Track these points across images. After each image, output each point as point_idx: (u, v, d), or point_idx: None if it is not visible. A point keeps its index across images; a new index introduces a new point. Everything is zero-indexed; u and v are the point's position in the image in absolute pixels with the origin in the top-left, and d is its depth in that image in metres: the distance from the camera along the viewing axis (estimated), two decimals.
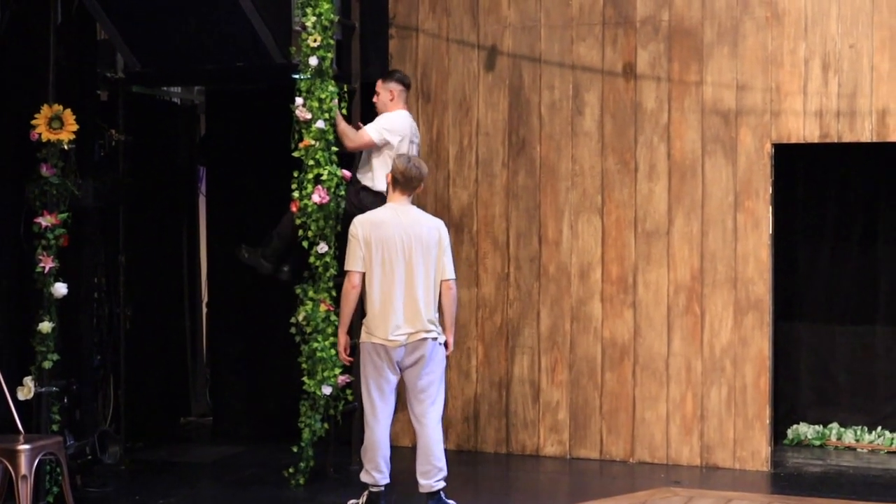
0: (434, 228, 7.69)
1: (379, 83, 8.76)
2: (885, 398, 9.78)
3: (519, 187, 9.50)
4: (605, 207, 9.31)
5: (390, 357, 7.57)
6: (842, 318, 9.88)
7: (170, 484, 8.59)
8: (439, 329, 7.63)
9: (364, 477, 7.70)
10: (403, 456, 9.55)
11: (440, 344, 7.63)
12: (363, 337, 7.66)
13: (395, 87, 8.73)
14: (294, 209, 8.45)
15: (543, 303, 9.45)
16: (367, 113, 9.21)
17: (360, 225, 7.66)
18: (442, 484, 7.63)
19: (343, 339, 7.81)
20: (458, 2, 9.61)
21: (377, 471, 7.65)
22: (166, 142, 10.45)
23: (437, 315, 7.63)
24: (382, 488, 7.70)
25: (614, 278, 9.29)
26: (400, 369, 7.61)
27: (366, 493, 7.70)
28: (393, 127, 8.56)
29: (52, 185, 7.92)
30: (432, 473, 7.62)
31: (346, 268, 7.66)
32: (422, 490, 7.64)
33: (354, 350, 7.98)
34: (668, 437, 9.18)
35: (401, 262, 7.56)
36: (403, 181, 7.70)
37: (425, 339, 7.56)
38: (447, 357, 7.76)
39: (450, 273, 7.67)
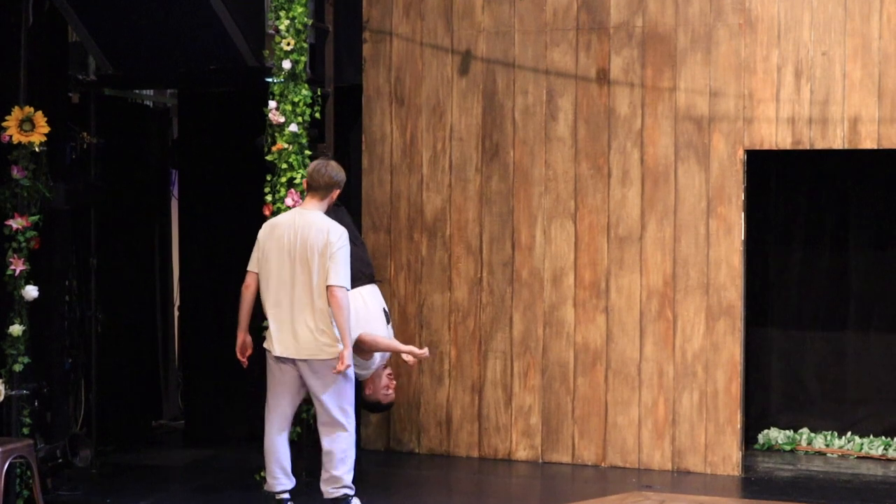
0: (322, 232, 7.42)
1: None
2: (856, 403, 9.83)
3: (492, 192, 9.51)
4: (578, 213, 9.33)
5: (281, 367, 7.54)
6: (813, 323, 9.92)
7: (141, 487, 8.55)
8: (330, 340, 7.41)
9: (265, 485, 7.72)
10: (370, 460, 9.57)
11: (333, 357, 7.42)
12: (266, 342, 7.62)
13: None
14: (267, 213, 8.43)
15: (516, 307, 9.46)
16: (341, 117, 9.21)
17: (264, 227, 7.62)
18: (341, 493, 7.59)
19: (239, 338, 7.70)
20: (433, 6, 9.61)
21: (272, 476, 7.64)
22: (138, 144, 10.41)
23: (330, 324, 7.40)
24: (286, 494, 7.66)
25: (587, 283, 9.30)
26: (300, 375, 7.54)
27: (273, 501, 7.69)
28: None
29: (23, 188, 7.88)
30: (331, 482, 7.60)
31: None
32: (324, 496, 7.64)
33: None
34: (640, 442, 9.20)
35: (286, 267, 7.45)
36: (311, 184, 7.59)
37: (309, 360, 7.44)
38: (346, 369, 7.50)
39: (334, 279, 7.34)
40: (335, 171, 7.65)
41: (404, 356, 8.30)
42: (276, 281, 7.48)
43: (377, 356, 8.22)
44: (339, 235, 7.44)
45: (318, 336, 7.41)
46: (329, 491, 7.62)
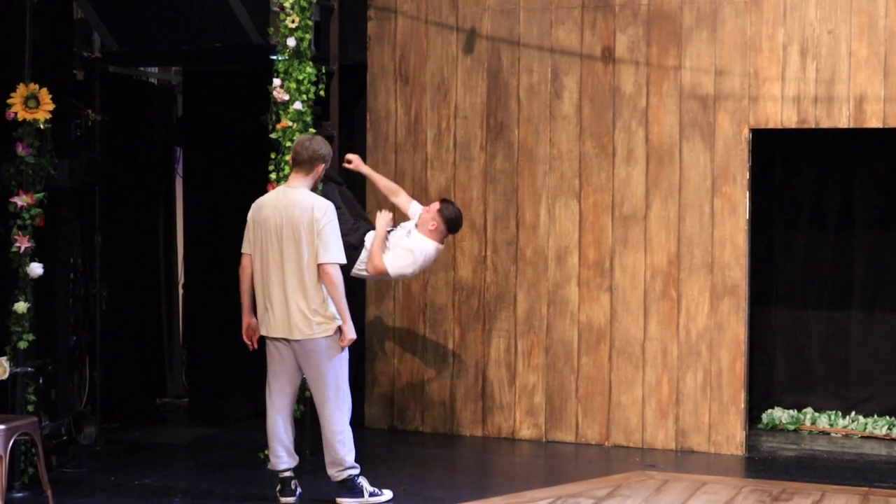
0: (307, 209, 7.31)
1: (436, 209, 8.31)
2: (860, 383, 9.84)
3: (497, 171, 9.50)
4: (583, 191, 9.32)
5: (277, 347, 7.51)
6: (817, 303, 9.92)
7: (145, 465, 8.57)
8: (324, 319, 7.35)
9: (269, 463, 7.74)
10: (375, 438, 9.59)
11: (326, 336, 7.37)
12: (261, 324, 7.58)
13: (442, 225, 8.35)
14: (271, 190, 8.42)
15: (520, 286, 9.45)
16: (345, 95, 9.20)
17: (252, 207, 7.57)
18: (345, 474, 7.58)
19: (245, 321, 7.66)
20: None
21: (274, 455, 7.64)
22: (143, 122, 10.41)
23: (322, 303, 7.34)
24: (289, 472, 7.67)
25: (591, 262, 9.30)
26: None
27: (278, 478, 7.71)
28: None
29: (27, 165, 7.87)
30: (334, 466, 7.60)
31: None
32: (332, 480, 7.66)
33: None
34: (644, 421, 9.21)
35: (274, 247, 7.39)
36: (295, 159, 7.52)
37: (300, 340, 7.39)
38: (349, 346, 7.49)
39: (323, 256, 7.26)
40: (319, 144, 7.55)
41: (381, 218, 8.23)
42: (266, 261, 7.43)
43: (401, 255, 8.15)
44: (324, 211, 7.34)
45: (310, 316, 7.35)
46: (334, 475, 7.63)
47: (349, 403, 7.65)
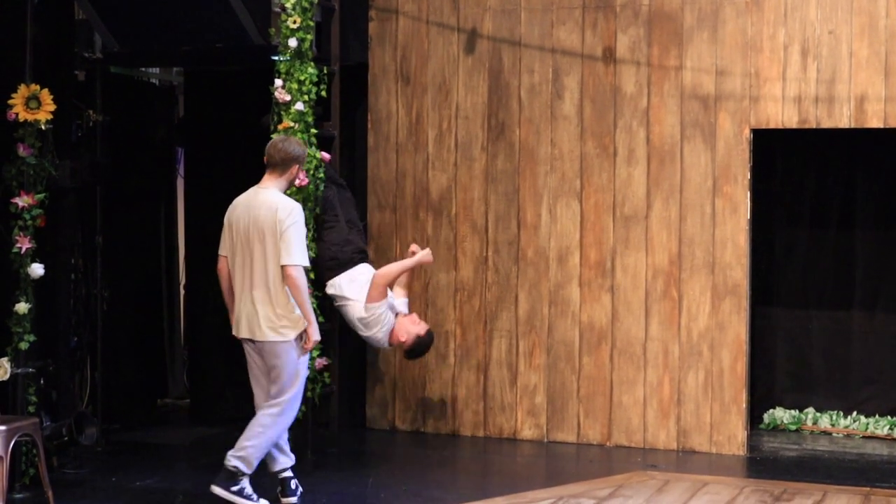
0: (271, 210, 7.27)
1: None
2: (861, 383, 9.84)
3: (498, 171, 9.50)
4: (584, 192, 9.31)
5: (248, 348, 7.50)
6: (818, 303, 9.92)
7: (147, 465, 8.57)
8: (288, 322, 7.33)
9: (267, 465, 7.68)
10: (376, 439, 9.60)
11: (286, 341, 7.34)
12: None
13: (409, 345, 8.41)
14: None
15: (522, 286, 9.45)
16: (346, 95, 9.20)
17: (229, 207, 7.55)
18: (233, 463, 7.36)
19: (232, 322, 7.63)
20: None
21: (269, 457, 7.58)
22: (144, 123, 10.40)
23: (286, 305, 7.31)
24: (287, 472, 7.61)
25: (592, 263, 9.30)
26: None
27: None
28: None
29: (29, 166, 7.87)
30: (235, 449, 7.41)
31: None
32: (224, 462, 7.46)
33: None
34: (645, 422, 9.21)
35: (243, 249, 7.38)
36: (268, 160, 7.50)
37: (262, 341, 7.37)
38: (310, 349, 7.49)
39: (285, 258, 7.22)
40: (292, 145, 7.52)
41: (422, 258, 8.34)
42: (236, 262, 7.43)
43: (386, 310, 8.17)
44: (288, 212, 7.29)
45: (274, 318, 7.32)
46: (228, 456, 7.42)
47: (293, 409, 7.55)
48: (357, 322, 8.28)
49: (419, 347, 8.35)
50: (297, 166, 7.56)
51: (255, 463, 7.43)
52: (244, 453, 7.40)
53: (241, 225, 7.38)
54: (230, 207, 7.55)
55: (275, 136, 7.82)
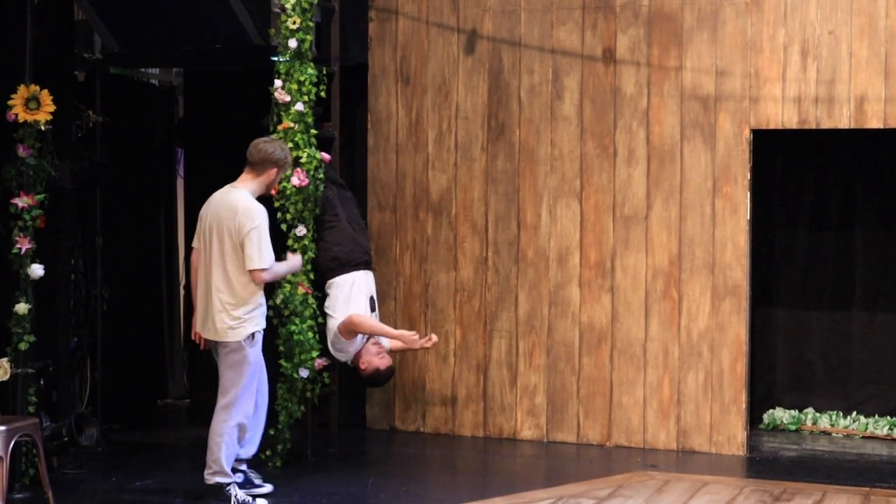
0: (233, 212, 7.31)
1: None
2: (861, 384, 9.83)
3: (498, 171, 9.50)
4: (584, 192, 9.32)
5: (211, 346, 7.59)
6: (818, 303, 9.92)
7: (146, 466, 8.57)
8: (239, 322, 7.36)
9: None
10: (376, 439, 9.59)
11: (235, 341, 7.38)
12: None
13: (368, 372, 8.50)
14: (273, 192, 8.43)
15: (522, 287, 9.45)
16: (346, 96, 9.20)
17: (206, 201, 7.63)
18: (215, 480, 7.48)
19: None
20: None
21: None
22: (144, 123, 10.41)
23: (239, 306, 7.35)
24: (242, 464, 7.71)
25: (592, 263, 9.30)
26: None
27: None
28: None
29: (28, 166, 7.87)
30: (207, 466, 7.53)
31: None
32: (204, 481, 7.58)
33: None
34: (645, 422, 9.21)
35: (207, 246, 7.45)
36: (248, 158, 7.55)
37: (215, 339, 7.44)
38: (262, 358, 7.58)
39: (249, 263, 7.28)
40: (274, 147, 7.53)
41: (394, 343, 8.38)
42: (202, 260, 7.51)
43: (359, 337, 8.26)
44: (250, 216, 7.29)
45: (226, 319, 7.37)
46: (206, 476, 7.53)
47: (245, 412, 7.57)
48: (328, 335, 8.40)
49: (374, 379, 8.46)
50: (276, 170, 7.55)
51: (229, 467, 7.52)
52: (217, 467, 7.50)
53: (207, 222, 7.47)
54: (205, 203, 7.61)
55: (272, 137, 7.82)
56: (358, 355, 8.33)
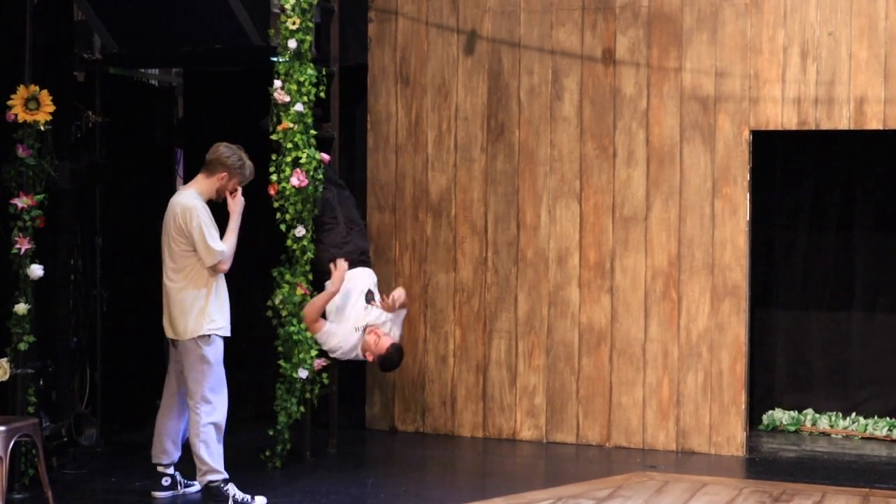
0: (175, 211, 7.46)
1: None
2: (860, 384, 9.84)
3: (497, 172, 9.50)
4: (584, 193, 9.32)
5: (170, 345, 7.68)
6: (818, 304, 9.93)
7: (146, 466, 8.54)
8: (190, 319, 7.46)
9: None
10: (375, 439, 9.60)
11: (191, 339, 7.47)
12: None
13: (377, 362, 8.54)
14: (272, 192, 8.44)
15: (521, 287, 9.46)
16: (346, 97, 9.21)
17: None
18: (207, 478, 7.58)
19: None
20: None
21: (162, 453, 7.79)
22: (143, 123, 10.39)
23: (191, 305, 7.45)
24: (170, 467, 7.80)
25: (592, 264, 9.30)
26: None
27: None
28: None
29: (28, 167, 7.86)
30: (197, 469, 7.63)
31: None
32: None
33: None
34: (645, 422, 9.21)
35: (163, 246, 7.57)
36: (205, 159, 7.66)
37: (174, 338, 7.54)
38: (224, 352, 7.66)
39: (205, 261, 7.43)
40: (231, 153, 7.58)
41: (338, 273, 8.36)
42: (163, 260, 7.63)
43: (334, 332, 8.25)
44: (187, 216, 7.40)
45: (180, 317, 7.47)
46: (199, 478, 7.67)
47: (218, 410, 7.63)
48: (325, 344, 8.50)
49: (388, 363, 8.43)
50: (226, 175, 7.58)
51: (221, 465, 7.59)
52: (204, 466, 7.57)
53: (164, 222, 7.58)
54: None
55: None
56: (363, 349, 8.33)
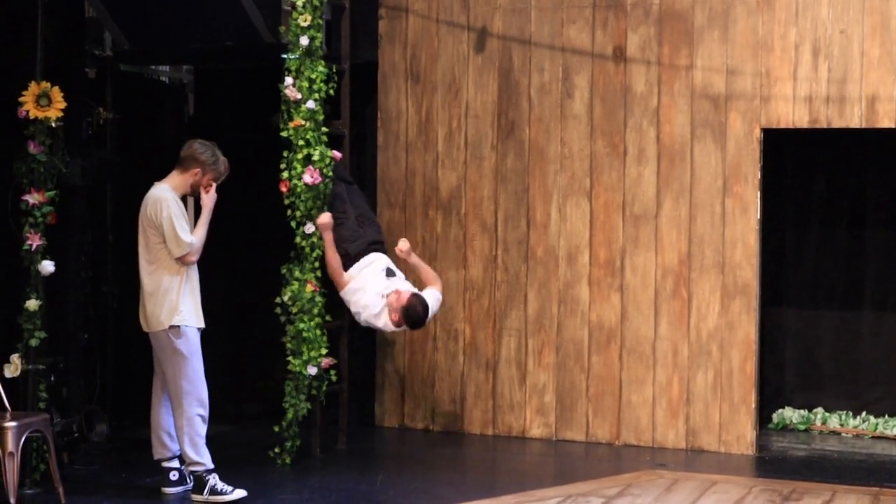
0: (146, 206, 7.55)
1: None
2: (870, 383, 9.82)
3: (507, 170, 9.50)
4: (594, 191, 9.31)
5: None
6: (828, 303, 9.91)
7: (156, 462, 8.58)
8: (164, 311, 7.50)
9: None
10: (385, 437, 9.61)
11: (163, 330, 7.52)
12: None
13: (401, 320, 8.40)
14: (284, 189, 8.45)
15: (531, 285, 9.45)
16: (356, 94, 9.21)
17: None
18: (191, 470, 7.69)
19: None
20: None
21: (162, 447, 7.80)
22: (154, 120, 10.41)
23: (163, 296, 7.51)
24: (173, 461, 7.81)
25: (602, 262, 9.29)
26: None
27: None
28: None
29: (39, 163, 7.88)
30: (185, 461, 7.72)
31: None
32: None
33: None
34: (654, 421, 9.21)
35: (139, 239, 7.61)
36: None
37: (148, 331, 7.60)
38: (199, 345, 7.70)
39: (173, 252, 7.51)
40: (205, 149, 7.66)
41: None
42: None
43: (363, 289, 8.23)
44: (157, 207, 7.48)
45: (152, 309, 7.52)
46: (184, 468, 7.78)
47: (199, 400, 7.67)
48: (358, 315, 8.41)
49: (413, 319, 8.21)
50: (199, 171, 7.66)
51: (204, 455, 7.65)
52: (189, 458, 7.64)
53: (140, 217, 7.62)
54: None
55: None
56: (388, 312, 8.25)
